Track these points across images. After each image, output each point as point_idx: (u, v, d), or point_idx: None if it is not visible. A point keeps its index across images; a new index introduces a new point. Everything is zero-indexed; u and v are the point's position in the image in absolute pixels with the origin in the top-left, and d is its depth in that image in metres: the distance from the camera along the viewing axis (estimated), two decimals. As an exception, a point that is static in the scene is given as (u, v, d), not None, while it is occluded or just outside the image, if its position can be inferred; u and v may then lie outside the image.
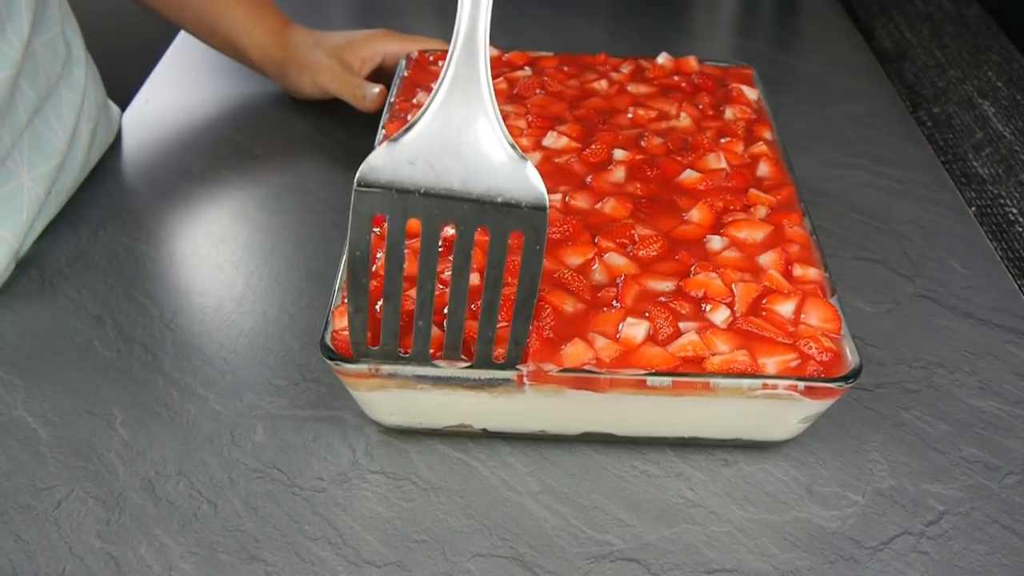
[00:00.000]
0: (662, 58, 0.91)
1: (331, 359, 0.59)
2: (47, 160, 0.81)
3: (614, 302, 0.63)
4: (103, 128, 0.93)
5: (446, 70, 0.52)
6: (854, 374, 0.58)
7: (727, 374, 0.59)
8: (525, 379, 0.59)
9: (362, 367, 0.59)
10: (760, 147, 0.79)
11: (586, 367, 0.59)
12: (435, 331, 0.58)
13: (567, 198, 0.73)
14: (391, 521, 0.60)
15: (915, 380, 0.71)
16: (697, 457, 0.64)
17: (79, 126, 0.87)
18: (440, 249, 0.55)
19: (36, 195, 0.80)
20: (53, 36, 0.84)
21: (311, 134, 0.99)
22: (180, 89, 1.09)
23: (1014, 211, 0.90)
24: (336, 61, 0.98)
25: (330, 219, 0.85)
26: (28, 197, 0.79)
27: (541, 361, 0.59)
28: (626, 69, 0.91)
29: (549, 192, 0.73)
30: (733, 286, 0.64)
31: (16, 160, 0.78)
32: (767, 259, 0.67)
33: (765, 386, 0.58)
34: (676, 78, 0.90)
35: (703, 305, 0.63)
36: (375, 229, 0.59)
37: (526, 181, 0.53)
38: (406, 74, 0.91)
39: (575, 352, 0.59)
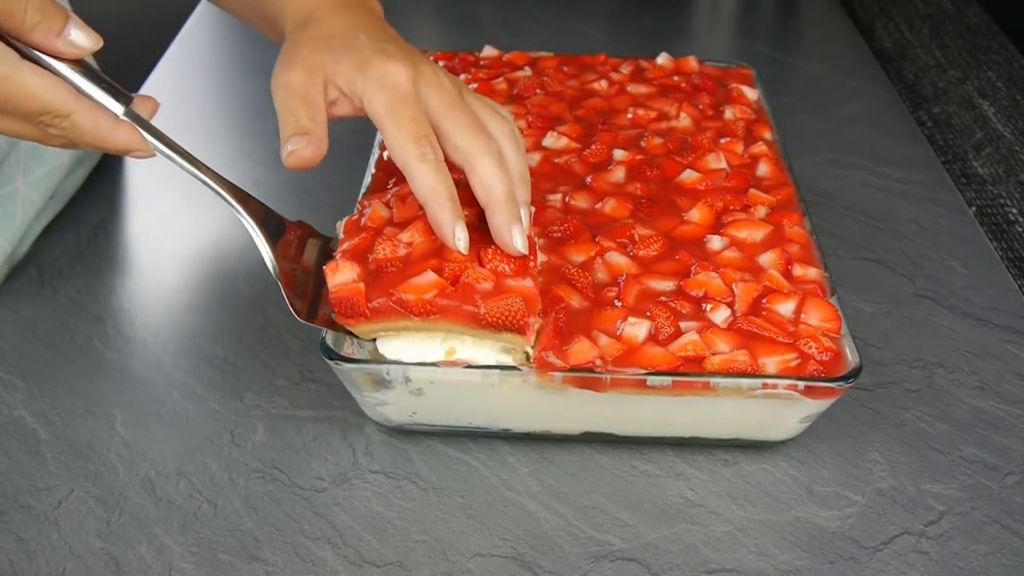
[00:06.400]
0: (662, 58, 0.91)
1: (331, 359, 0.59)
2: (43, 164, 0.81)
3: (616, 301, 0.63)
4: None
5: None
6: (854, 374, 0.58)
7: (727, 374, 0.59)
8: (530, 373, 0.59)
9: (364, 367, 0.59)
10: (760, 147, 0.79)
11: (591, 365, 0.59)
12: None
13: (567, 198, 0.73)
14: (391, 521, 0.60)
15: (915, 380, 0.71)
16: (697, 457, 0.64)
17: None
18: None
19: (31, 200, 0.80)
20: None
21: (311, 134, 0.99)
22: (180, 89, 1.09)
23: (1014, 211, 0.90)
24: (308, 78, 0.63)
25: (330, 219, 0.85)
26: (23, 202, 0.78)
27: (550, 352, 0.59)
28: (626, 69, 0.91)
29: (549, 192, 0.73)
30: (733, 286, 0.64)
31: (12, 165, 0.78)
32: (767, 259, 0.67)
33: (765, 386, 0.58)
34: (676, 78, 0.90)
35: (703, 305, 0.63)
36: None
37: None
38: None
39: (580, 350, 0.59)
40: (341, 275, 0.59)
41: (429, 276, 0.57)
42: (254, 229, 0.61)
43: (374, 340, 0.61)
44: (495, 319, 0.57)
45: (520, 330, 0.58)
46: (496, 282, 0.58)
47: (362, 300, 0.58)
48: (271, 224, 0.62)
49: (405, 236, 0.60)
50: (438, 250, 0.59)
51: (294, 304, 0.60)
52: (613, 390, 0.59)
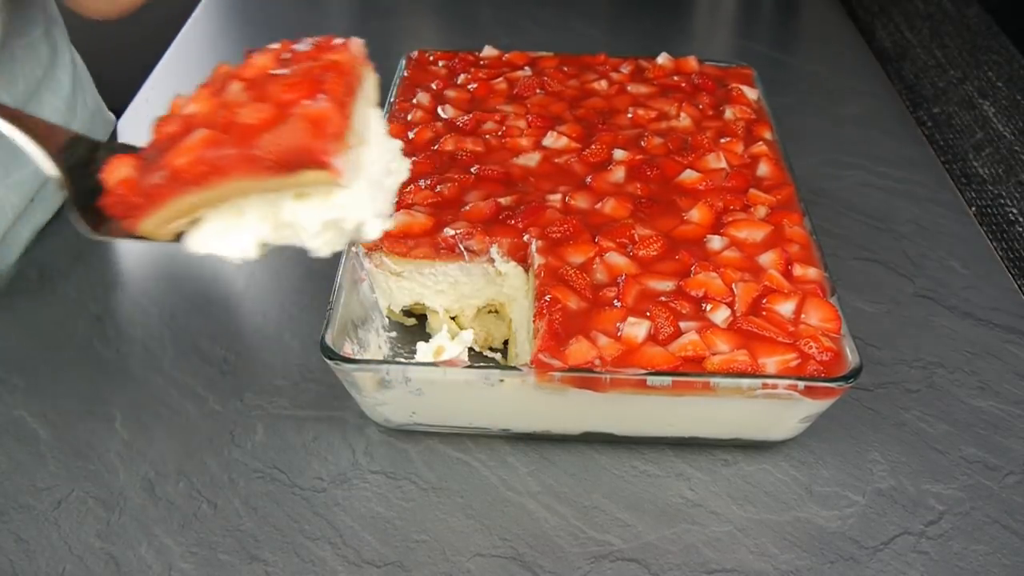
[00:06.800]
0: (662, 58, 0.91)
1: (331, 359, 0.59)
2: (22, 167, 0.79)
3: (615, 301, 0.63)
4: (98, 134, 0.91)
5: None
6: (854, 374, 0.58)
7: (727, 374, 0.59)
8: (529, 374, 0.59)
9: (364, 367, 0.59)
10: (760, 147, 0.79)
11: (590, 365, 0.59)
12: None
13: (567, 198, 0.73)
14: (391, 521, 0.60)
15: (915, 380, 0.71)
16: (697, 457, 0.64)
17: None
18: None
19: (11, 203, 0.78)
20: (35, 38, 0.81)
21: (311, 134, 0.99)
22: (180, 89, 1.08)
23: (1014, 211, 0.90)
24: None
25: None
26: (1, 205, 0.77)
27: (547, 353, 0.59)
28: (626, 69, 0.91)
29: (549, 192, 0.73)
30: (733, 286, 0.64)
31: None
32: (767, 259, 0.67)
33: (765, 386, 0.58)
34: (676, 78, 0.90)
35: (703, 305, 0.63)
36: None
37: None
38: (406, 74, 0.91)
39: (579, 350, 0.59)
40: (117, 173, 0.48)
41: (199, 132, 0.46)
42: (28, 142, 0.50)
43: (179, 240, 0.51)
44: (279, 154, 0.45)
45: (315, 161, 0.45)
46: (277, 112, 0.46)
47: (131, 189, 0.47)
48: (77, 147, 0.53)
49: (188, 108, 0.50)
50: (221, 107, 0.48)
51: (82, 215, 0.51)
52: (613, 390, 0.59)
